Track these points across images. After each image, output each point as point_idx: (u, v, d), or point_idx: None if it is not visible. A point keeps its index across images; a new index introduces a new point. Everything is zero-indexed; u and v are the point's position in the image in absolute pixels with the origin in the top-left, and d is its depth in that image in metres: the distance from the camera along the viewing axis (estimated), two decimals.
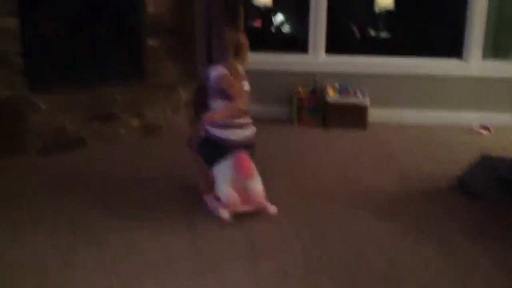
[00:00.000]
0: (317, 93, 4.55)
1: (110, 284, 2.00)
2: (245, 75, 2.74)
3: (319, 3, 4.63)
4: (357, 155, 3.70)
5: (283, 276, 2.08)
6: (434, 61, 4.74)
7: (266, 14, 5.51)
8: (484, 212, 2.76)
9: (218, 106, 2.64)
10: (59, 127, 3.57)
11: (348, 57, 4.82)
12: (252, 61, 4.61)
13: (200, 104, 2.81)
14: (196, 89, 3.26)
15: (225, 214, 2.56)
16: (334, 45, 4.79)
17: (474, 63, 4.65)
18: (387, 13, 5.27)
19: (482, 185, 2.92)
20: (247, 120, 2.69)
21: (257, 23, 5.47)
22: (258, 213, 2.65)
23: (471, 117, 4.64)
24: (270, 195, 2.81)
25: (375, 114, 4.60)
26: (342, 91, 4.52)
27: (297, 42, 5.25)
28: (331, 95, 4.47)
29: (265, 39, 5.55)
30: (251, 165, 2.57)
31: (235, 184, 2.57)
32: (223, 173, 2.59)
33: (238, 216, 2.60)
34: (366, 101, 4.45)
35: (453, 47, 4.75)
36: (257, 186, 2.61)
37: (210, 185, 2.69)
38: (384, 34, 5.40)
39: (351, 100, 4.45)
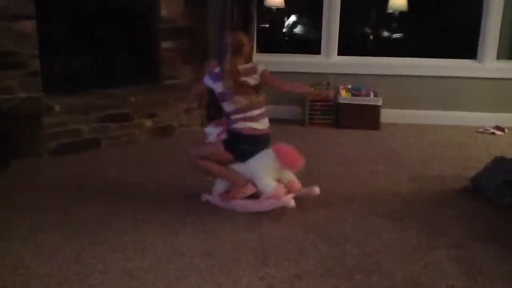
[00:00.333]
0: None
1: (124, 283, 2.02)
2: (255, 68, 2.79)
3: (332, 4, 4.62)
4: (370, 157, 3.69)
5: (296, 278, 2.08)
6: (448, 62, 4.71)
7: (279, 15, 5.52)
8: (498, 216, 2.73)
9: (225, 106, 2.72)
10: (74, 128, 3.61)
11: (360, 58, 4.81)
12: (264, 62, 4.63)
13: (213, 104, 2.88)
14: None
15: (291, 201, 2.62)
16: (347, 46, 4.78)
17: (489, 64, 4.61)
18: (400, 14, 5.24)
19: (496, 188, 2.89)
20: (260, 111, 2.74)
21: (270, 25, 5.47)
22: (268, 215, 2.65)
23: (485, 118, 4.61)
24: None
25: (388, 115, 4.58)
26: (355, 92, 4.51)
27: (309, 43, 5.25)
28: (344, 95, 4.46)
29: (278, 41, 5.56)
30: (296, 153, 2.64)
31: (276, 176, 2.67)
32: (263, 167, 2.65)
33: (248, 218, 2.61)
34: (379, 101, 4.43)
35: (467, 48, 4.72)
36: (291, 176, 2.75)
37: (237, 188, 2.73)
38: (397, 35, 5.37)
39: (364, 100, 4.44)
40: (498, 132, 4.40)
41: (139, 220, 2.57)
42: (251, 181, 2.71)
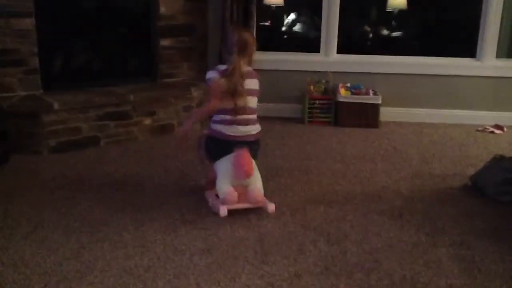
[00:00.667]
0: (329, 92, 4.55)
1: (123, 281, 2.02)
2: (254, 73, 2.76)
3: (331, 3, 4.62)
4: (369, 155, 3.69)
5: (295, 276, 2.09)
6: (447, 61, 4.71)
7: (278, 13, 5.51)
8: (497, 214, 2.74)
9: (221, 105, 2.69)
10: (73, 126, 3.60)
11: (360, 56, 4.81)
12: (264, 61, 4.66)
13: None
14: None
15: (223, 210, 2.56)
16: (346, 45, 4.78)
17: (488, 62, 4.62)
18: (399, 12, 5.24)
19: (495, 186, 2.90)
20: (249, 117, 2.71)
21: (269, 23, 5.47)
22: (268, 213, 2.65)
23: (484, 117, 4.61)
24: (281, 195, 2.82)
25: (387, 113, 4.59)
26: (354, 90, 4.51)
27: (308, 42, 5.25)
28: (343, 94, 4.46)
29: (277, 39, 5.55)
30: (250, 163, 2.56)
31: (234, 181, 2.59)
32: (223, 169, 2.62)
33: (248, 216, 2.61)
34: (378, 100, 4.43)
35: (466, 46, 4.72)
36: (256, 183, 2.63)
37: (212, 182, 2.73)
38: (396, 33, 5.37)
39: (363, 99, 4.44)
40: (497, 131, 4.40)
41: (138, 218, 2.57)
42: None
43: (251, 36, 2.76)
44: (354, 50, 4.84)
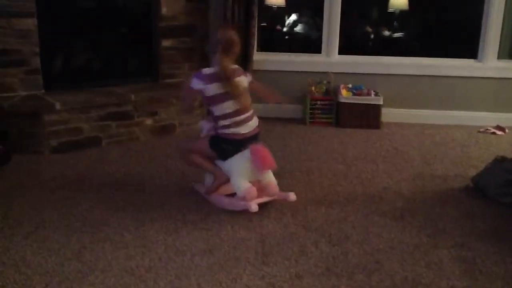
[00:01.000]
0: (331, 93, 4.55)
1: (125, 281, 2.02)
2: (241, 70, 2.76)
3: (333, 3, 4.62)
4: (371, 156, 3.69)
5: (296, 277, 2.08)
6: (449, 62, 4.71)
7: (279, 14, 5.51)
8: (499, 215, 2.73)
9: (214, 110, 2.71)
10: (74, 126, 3.60)
11: (361, 57, 4.81)
12: (265, 61, 4.66)
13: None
14: None
15: (254, 206, 2.59)
16: (348, 45, 4.78)
17: (489, 63, 4.61)
18: (401, 13, 5.24)
19: (496, 187, 2.89)
20: (250, 113, 2.74)
21: (270, 23, 5.46)
22: (269, 214, 2.65)
23: (486, 118, 4.61)
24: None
25: (389, 114, 4.58)
26: (356, 91, 4.50)
27: (310, 42, 5.25)
28: (344, 95, 4.46)
29: (278, 39, 5.55)
30: (270, 155, 2.62)
31: (251, 177, 2.64)
32: (238, 167, 2.64)
33: (249, 217, 2.61)
34: (380, 101, 4.43)
35: (468, 47, 4.71)
36: (271, 177, 2.71)
37: (219, 184, 2.75)
38: (397, 34, 5.37)
39: (365, 100, 4.43)
40: (498, 132, 4.40)
41: (139, 219, 2.57)
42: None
43: (235, 35, 2.73)
44: (356, 50, 4.84)
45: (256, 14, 4.49)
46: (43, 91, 3.72)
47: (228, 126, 2.68)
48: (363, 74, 4.66)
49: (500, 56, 4.61)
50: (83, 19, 3.97)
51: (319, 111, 4.52)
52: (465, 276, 2.11)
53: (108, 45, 4.16)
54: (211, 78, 2.65)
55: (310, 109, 4.50)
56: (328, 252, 2.28)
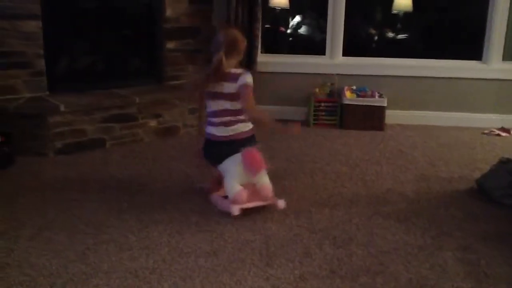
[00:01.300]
0: (335, 94, 4.54)
1: (129, 283, 2.02)
2: (235, 76, 2.68)
3: (337, 5, 4.62)
4: (375, 157, 3.68)
5: (301, 279, 2.08)
6: (453, 63, 4.69)
7: (283, 16, 5.51)
8: (503, 217, 2.72)
9: (208, 106, 2.75)
10: (79, 128, 3.61)
11: (365, 59, 4.80)
12: (269, 63, 4.66)
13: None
14: None
15: (235, 209, 2.57)
16: (352, 47, 4.77)
17: (494, 65, 4.60)
18: (405, 15, 5.23)
19: (501, 189, 2.88)
20: (231, 118, 2.69)
21: (274, 25, 5.47)
22: (273, 216, 2.65)
23: (490, 120, 4.59)
24: (287, 198, 2.81)
25: (393, 116, 4.58)
26: (360, 92, 4.50)
27: (314, 44, 5.25)
28: (348, 96, 4.46)
29: (282, 41, 5.55)
30: (260, 158, 2.59)
31: (243, 180, 2.62)
32: (230, 170, 2.64)
33: (253, 218, 2.60)
34: (384, 102, 4.42)
35: (472, 49, 4.70)
36: (264, 180, 2.66)
37: (216, 184, 2.77)
38: (402, 36, 5.36)
39: (369, 101, 4.43)
40: (503, 134, 4.38)
41: (143, 220, 2.57)
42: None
43: (239, 34, 2.72)
44: (360, 52, 4.84)
45: (260, 16, 4.50)
46: (47, 93, 3.73)
47: (210, 124, 2.74)
48: (367, 75, 4.65)
49: (505, 58, 4.60)
50: (87, 21, 3.98)
51: (323, 113, 4.52)
52: (470, 278, 2.10)
53: (112, 47, 4.17)
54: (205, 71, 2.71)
55: (314, 110, 4.50)
56: (332, 254, 2.28)
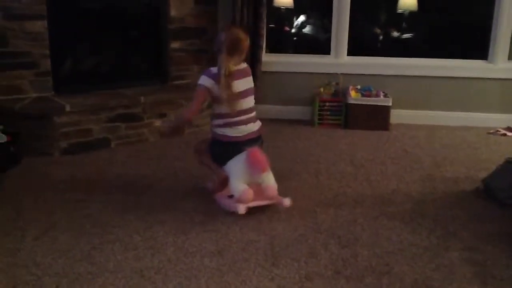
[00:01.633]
0: (339, 94, 4.54)
1: (134, 283, 2.02)
2: (245, 71, 2.72)
3: (341, 4, 4.61)
4: (380, 158, 3.67)
5: (306, 279, 2.08)
6: (458, 63, 4.68)
7: (288, 15, 5.51)
8: (510, 217, 2.71)
9: (214, 108, 2.74)
10: (84, 128, 3.62)
11: (370, 58, 4.79)
12: (273, 63, 4.65)
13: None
14: None
15: (241, 208, 2.57)
16: (356, 47, 4.77)
17: (500, 64, 4.58)
18: (410, 14, 5.21)
19: (508, 189, 2.87)
20: (248, 116, 2.71)
21: (279, 25, 5.46)
22: (278, 216, 2.65)
23: (496, 119, 4.57)
24: (292, 198, 2.81)
25: (398, 116, 4.56)
26: (365, 92, 4.49)
27: (318, 44, 5.24)
28: (353, 96, 4.45)
29: (287, 41, 5.55)
30: (264, 158, 2.60)
31: (248, 180, 2.63)
32: (235, 169, 2.64)
33: (258, 218, 2.61)
34: (389, 102, 4.41)
35: (478, 48, 4.68)
36: (269, 180, 2.67)
37: (221, 184, 2.76)
38: (407, 35, 5.34)
39: (373, 101, 4.42)
40: (509, 133, 4.36)
41: (149, 220, 2.58)
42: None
43: (241, 32, 2.70)
44: (365, 52, 4.82)
45: (264, 15, 4.49)
46: (53, 93, 3.75)
47: (220, 126, 2.70)
48: (372, 75, 4.64)
49: (510, 57, 4.58)
50: (93, 22, 3.99)
51: (328, 113, 4.51)
52: (476, 279, 2.10)
53: (118, 47, 4.18)
54: (214, 77, 2.65)
55: (319, 110, 4.50)
56: (337, 254, 2.27)
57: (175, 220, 2.58)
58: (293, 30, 5.54)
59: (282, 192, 2.85)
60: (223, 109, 2.68)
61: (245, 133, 2.70)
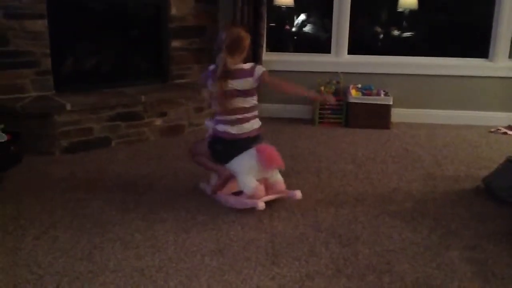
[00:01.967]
0: (340, 93, 4.53)
1: (135, 281, 2.02)
2: (246, 71, 2.70)
3: (342, 3, 4.60)
4: (380, 156, 3.67)
5: (307, 278, 2.08)
6: (459, 61, 4.67)
7: (288, 14, 5.51)
8: (511, 216, 2.71)
9: (213, 105, 2.77)
10: (85, 127, 3.62)
11: (371, 57, 4.79)
12: (274, 61, 4.65)
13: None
14: None
15: (261, 204, 2.60)
16: (357, 45, 4.76)
17: (501, 63, 4.57)
18: (411, 12, 5.21)
19: (508, 188, 2.86)
20: (247, 115, 2.71)
21: (279, 24, 5.46)
22: (279, 214, 2.65)
23: (497, 118, 4.57)
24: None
25: (399, 114, 4.56)
26: (365, 91, 4.49)
27: (319, 42, 5.24)
28: (354, 95, 4.45)
29: (287, 40, 5.55)
30: (277, 154, 2.63)
31: (258, 176, 2.66)
32: (244, 166, 2.65)
33: (259, 217, 2.61)
34: (390, 101, 4.41)
35: (479, 46, 4.68)
36: (277, 174, 2.73)
37: (223, 182, 2.77)
38: (407, 34, 5.34)
39: (374, 100, 4.41)
40: (510, 132, 4.36)
41: (150, 219, 2.58)
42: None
43: (242, 31, 2.70)
44: (365, 50, 4.82)
45: (265, 14, 4.49)
46: (53, 92, 3.74)
47: (224, 122, 2.72)
48: (373, 74, 4.64)
49: (511, 56, 4.57)
50: (93, 21, 3.99)
51: (329, 111, 4.51)
52: (477, 278, 2.10)
53: (118, 46, 4.18)
54: (212, 75, 2.68)
55: (320, 109, 4.49)
56: (338, 253, 2.27)
57: (175, 219, 2.58)
58: (293, 29, 5.53)
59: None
60: (219, 106, 2.70)
61: (245, 131, 2.71)
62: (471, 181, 3.19)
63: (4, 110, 3.41)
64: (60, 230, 2.45)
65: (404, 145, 3.97)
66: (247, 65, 2.71)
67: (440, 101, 4.65)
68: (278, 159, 2.63)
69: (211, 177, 2.89)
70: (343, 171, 3.34)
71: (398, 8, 5.21)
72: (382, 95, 4.44)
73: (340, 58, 4.73)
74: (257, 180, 2.65)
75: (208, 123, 2.87)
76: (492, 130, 4.42)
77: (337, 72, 4.56)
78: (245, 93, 2.70)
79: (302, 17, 5.54)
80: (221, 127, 2.73)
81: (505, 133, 4.35)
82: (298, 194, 2.74)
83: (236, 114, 2.69)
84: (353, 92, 4.46)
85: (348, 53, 4.73)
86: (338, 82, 4.55)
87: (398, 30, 5.39)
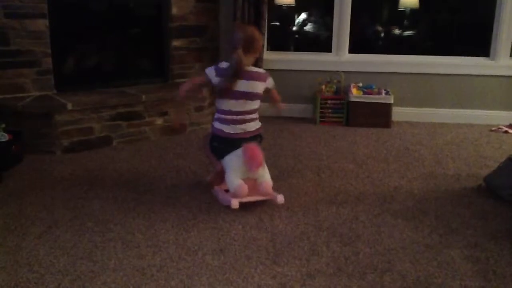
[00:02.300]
0: (341, 92, 4.53)
1: (136, 280, 2.03)
2: (259, 74, 2.73)
3: (343, 2, 4.60)
4: (381, 155, 3.67)
5: (308, 277, 2.08)
6: (460, 60, 4.67)
7: (289, 13, 5.50)
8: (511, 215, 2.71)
9: (218, 103, 2.77)
10: (86, 126, 3.63)
11: (372, 56, 4.78)
12: (275, 60, 4.65)
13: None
14: None
15: (234, 203, 2.60)
16: (358, 44, 4.76)
17: (502, 61, 4.57)
18: (412, 11, 5.21)
19: (509, 187, 2.86)
20: (247, 116, 2.73)
21: (280, 23, 5.46)
22: (280, 214, 2.65)
23: (498, 116, 4.57)
24: (294, 196, 2.81)
25: (400, 113, 4.56)
26: (366, 90, 4.48)
27: (320, 41, 5.23)
28: (355, 94, 4.44)
29: (288, 39, 5.55)
30: (260, 154, 2.62)
31: (244, 175, 2.65)
32: (232, 164, 2.67)
33: (260, 216, 2.61)
34: (390, 99, 4.41)
35: (480, 45, 4.67)
36: (265, 176, 2.70)
37: (218, 177, 2.80)
38: (408, 33, 5.33)
39: (375, 98, 4.41)
40: (511, 131, 4.35)
41: (151, 218, 2.58)
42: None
43: (256, 32, 2.73)
44: (366, 49, 4.82)
45: (266, 13, 4.49)
46: (54, 91, 3.75)
47: (219, 121, 2.75)
48: (374, 73, 4.64)
49: None
50: (94, 20, 3.99)
51: (330, 110, 4.51)
52: (478, 277, 2.09)
53: (119, 45, 4.18)
54: (221, 72, 2.69)
55: (321, 108, 4.49)
56: (339, 252, 2.27)
57: (177, 218, 2.58)
58: (294, 28, 5.53)
59: (284, 190, 2.86)
60: (223, 105, 2.71)
61: (240, 132, 2.73)
62: (472, 180, 3.19)
63: (5, 110, 3.42)
64: (61, 229, 2.45)
65: (405, 144, 3.97)
66: (260, 69, 2.77)
67: (441, 100, 4.65)
68: (258, 160, 2.60)
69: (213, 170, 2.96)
70: (344, 170, 3.34)
71: (399, 7, 5.20)
72: (383, 94, 4.44)
73: (341, 57, 4.73)
74: (243, 180, 2.64)
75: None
76: (494, 128, 4.41)
77: (338, 71, 4.56)
78: (254, 96, 2.71)
79: (303, 16, 5.54)
80: (217, 125, 2.76)
81: (507, 131, 4.35)
82: (280, 198, 2.69)
83: (233, 114, 2.71)
84: (354, 91, 4.46)
85: (349, 52, 4.73)
86: (339, 81, 4.55)
87: (399, 29, 5.38)
